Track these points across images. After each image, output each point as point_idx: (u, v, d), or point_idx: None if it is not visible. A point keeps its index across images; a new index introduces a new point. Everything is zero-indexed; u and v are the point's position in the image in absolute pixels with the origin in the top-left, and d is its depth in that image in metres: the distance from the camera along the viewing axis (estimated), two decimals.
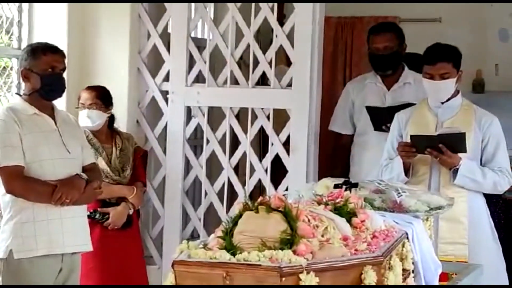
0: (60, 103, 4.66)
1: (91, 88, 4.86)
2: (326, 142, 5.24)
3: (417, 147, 4.23)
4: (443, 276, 3.47)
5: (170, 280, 2.61)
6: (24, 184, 3.78)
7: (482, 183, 4.23)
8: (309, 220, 2.74)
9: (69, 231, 3.89)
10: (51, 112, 3.95)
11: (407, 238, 3.17)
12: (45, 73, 3.86)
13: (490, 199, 4.66)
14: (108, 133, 4.89)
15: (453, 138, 4.13)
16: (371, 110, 5.07)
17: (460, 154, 4.17)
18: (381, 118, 4.93)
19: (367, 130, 5.18)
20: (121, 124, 5.05)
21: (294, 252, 2.54)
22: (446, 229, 4.07)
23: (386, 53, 5.07)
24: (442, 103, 4.33)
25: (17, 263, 3.78)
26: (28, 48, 3.96)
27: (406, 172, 4.30)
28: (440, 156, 4.17)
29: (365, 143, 5.22)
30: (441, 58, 4.23)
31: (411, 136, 4.27)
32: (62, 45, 4.90)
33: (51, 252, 3.84)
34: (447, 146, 4.14)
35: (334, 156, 5.61)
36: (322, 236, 2.74)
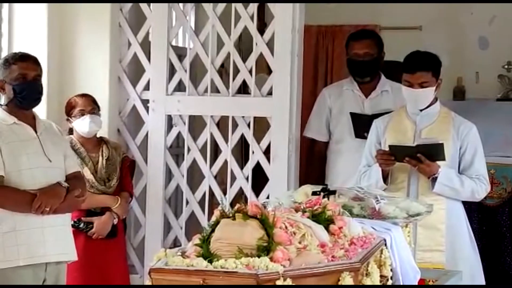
0: (40, 112, 4.67)
1: (85, 95, 4.86)
2: (300, 149, 5.22)
3: (396, 156, 4.25)
4: (421, 282, 3.48)
5: None
6: (2, 193, 3.75)
7: (460, 191, 4.25)
8: (286, 227, 2.75)
9: (51, 240, 3.86)
10: (32, 121, 3.93)
11: (385, 244, 3.18)
12: (16, 82, 3.84)
13: (470, 205, 4.69)
14: (95, 142, 4.88)
15: (431, 148, 4.16)
16: (355, 117, 5.08)
17: (439, 163, 4.19)
18: (364, 125, 4.92)
19: (344, 137, 5.19)
20: (102, 133, 5.04)
21: (271, 259, 2.56)
22: (424, 236, 4.09)
23: (365, 59, 5.08)
24: (421, 110, 4.35)
25: (0, 273, 3.76)
26: (1, 60, 3.95)
27: (385, 179, 4.31)
28: (418, 165, 4.20)
29: (341, 150, 5.22)
30: (421, 67, 4.25)
31: (390, 146, 4.28)
32: (42, 54, 4.94)
33: (33, 261, 3.81)
34: (425, 155, 4.16)
35: (309, 164, 5.59)
36: (300, 243, 2.75)
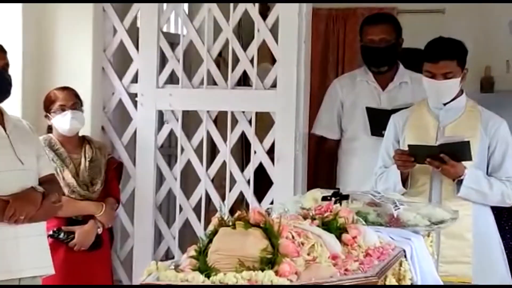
0: (15, 109, 4.67)
1: (66, 88, 4.87)
2: (308, 149, 5.22)
3: (416, 156, 4.25)
4: None
5: None
6: None
7: (488, 195, 4.25)
8: (293, 237, 2.75)
9: (26, 252, 3.86)
10: None
11: (405, 256, 3.19)
12: None
13: (501, 213, 4.68)
14: (77, 141, 4.89)
15: (456, 147, 4.16)
16: (372, 112, 5.07)
17: (465, 163, 4.19)
18: (381, 121, 4.88)
19: (358, 134, 5.19)
20: (85, 131, 5.05)
21: (276, 273, 2.55)
22: (448, 246, 4.09)
23: (382, 46, 5.08)
24: (444, 104, 4.35)
25: None
26: None
27: (404, 182, 4.31)
28: (442, 166, 4.19)
29: (355, 149, 5.22)
30: (445, 56, 4.25)
31: (409, 146, 4.28)
32: (17, 43, 4.95)
33: (6, 277, 3.81)
34: (449, 155, 4.15)
35: (318, 165, 5.59)
36: (308, 254, 2.75)
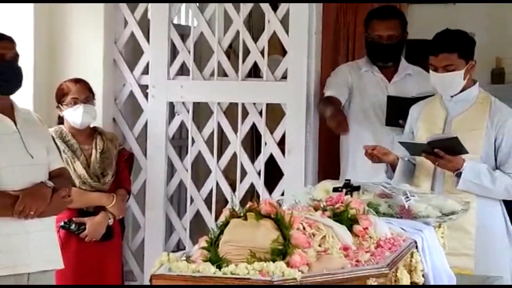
0: (27, 100, 4.68)
1: (79, 81, 4.86)
2: (319, 140, 5.18)
3: (411, 151, 4.29)
4: None
5: None
6: None
7: (490, 188, 4.21)
8: (304, 228, 2.75)
9: (36, 247, 3.86)
10: (10, 111, 3.91)
11: (416, 247, 3.18)
12: None
13: None
14: (88, 132, 4.89)
15: (446, 143, 4.13)
16: (393, 100, 4.97)
17: (465, 156, 4.17)
18: (401, 110, 4.78)
19: (365, 127, 5.11)
20: (96, 122, 5.04)
21: (288, 264, 2.55)
22: (450, 238, 4.05)
23: (389, 42, 5.04)
24: (452, 96, 4.33)
25: None
26: None
27: (393, 170, 4.39)
28: (438, 160, 4.18)
29: (362, 137, 5.01)
30: (444, 49, 4.23)
31: (400, 143, 4.32)
32: (28, 35, 4.96)
33: (16, 271, 3.81)
34: (444, 150, 4.14)
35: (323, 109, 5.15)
36: (320, 245, 2.75)
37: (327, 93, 5.07)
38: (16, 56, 3.92)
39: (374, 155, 4.39)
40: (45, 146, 3.99)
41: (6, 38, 3.92)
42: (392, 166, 4.42)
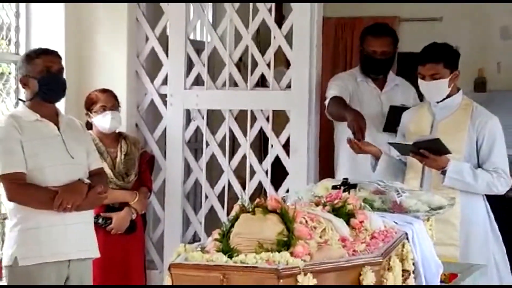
0: (59, 107, 4.68)
1: (106, 90, 4.88)
2: (320, 143, 5.17)
3: (400, 151, 4.30)
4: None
5: (167, 283, 2.61)
6: (24, 191, 3.79)
7: (473, 184, 4.20)
8: (306, 222, 2.73)
9: (74, 237, 3.89)
10: (55, 117, 3.96)
11: (407, 238, 3.16)
12: (41, 75, 3.88)
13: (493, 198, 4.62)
14: (114, 137, 4.90)
15: (430, 144, 4.13)
16: (395, 110, 4.93)
17: (451, 156, 4.16)
18: (399, 118, 4.73)
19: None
20: (121, 128, 5.04)
21: (292, 254, 2.54)
22: (436, 230, 4.04)
23: (382, 57, 5.03)
24: (438, 102, 4.33)
25: (22, 270, 3.79)
26: (23, 56, 4.00)
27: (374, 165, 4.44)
28: (424, 160, 4.18)
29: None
30: (431, 59, 4.23)
31: (389, 143, 4.33)
32: (60, 50, 4.91)
33: (57, 258, 3.85)
34: (429, 150, 4.13)
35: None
36: (320, 237, 2.73)
37: (332, 93, 4.97)
38: (61, 69, 3.96)
39: (356, 144, 4.44)
40: (85, 149, 4.02)
41: (53, 52, 3.98)
42: (377, 159, 4.45)
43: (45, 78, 3.87)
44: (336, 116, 4.98)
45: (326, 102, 4.98)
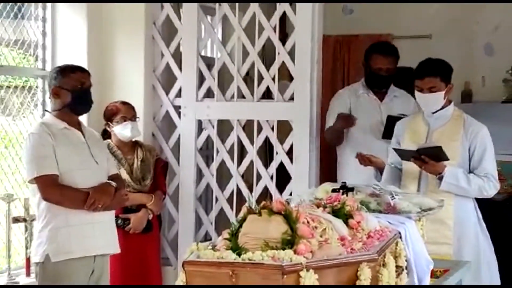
0: (82, 118, 4.69)
1: (126, 103, 4.88)
2: (320, 150, 5.18)
3: (402, 157, 4.28)
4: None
5: (181, 278, 2.61)
6: (59, 191, 3.81)
7: (467, 188, 4.19)
8: (308, 222, 2.73)
9: (100, 234, 3.92)
10: (78, 127, 3.99)
11: (400, 237, 3.15)
12: (75, 88, 3.92)
13: (480, 201, 4.60)
14: (131, 145, 4.90)
15: (431, 151, 4.12)
16: (392, 119, 4.91)
17: (446, 162, 4.15)
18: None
19: (364, 139, 5.11)
20: (138, 136, 5.05)
21: (295, 252, 2.54)
22: (430, 230, 4.03)
23: (386, 74, 5.08)
24: (433, 113, 4.32)
25: (53, 266, 3.80)
26: (58, 69, 4.02)
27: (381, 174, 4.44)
28: (424, 165, 4.17)
29: (359, 149, 5.02)
30: (429, 73, 4.22)
31: (394, 149, 4.32)
32: (83, 65, 4.95)
33: (85, 254, 3.88)
34: (430, 156, 4.13)
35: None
36: (321, 236, 2.73)
37: (330, 123, 5.14)
38: (90, 85, 4.00)
39: (364, 157, 4.46)
40: (105, 156, 4.07)
41: (86, 70, 4.04)
42: (380, 170, 4.43)
43: (77, 92, 3.91)
44: (335, 138, 5.18)
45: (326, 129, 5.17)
